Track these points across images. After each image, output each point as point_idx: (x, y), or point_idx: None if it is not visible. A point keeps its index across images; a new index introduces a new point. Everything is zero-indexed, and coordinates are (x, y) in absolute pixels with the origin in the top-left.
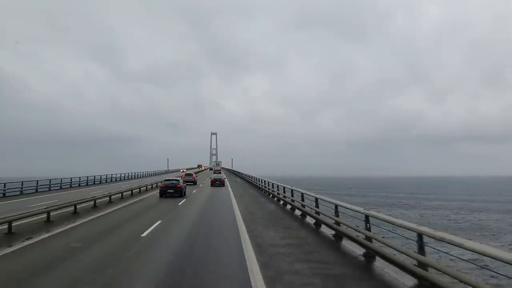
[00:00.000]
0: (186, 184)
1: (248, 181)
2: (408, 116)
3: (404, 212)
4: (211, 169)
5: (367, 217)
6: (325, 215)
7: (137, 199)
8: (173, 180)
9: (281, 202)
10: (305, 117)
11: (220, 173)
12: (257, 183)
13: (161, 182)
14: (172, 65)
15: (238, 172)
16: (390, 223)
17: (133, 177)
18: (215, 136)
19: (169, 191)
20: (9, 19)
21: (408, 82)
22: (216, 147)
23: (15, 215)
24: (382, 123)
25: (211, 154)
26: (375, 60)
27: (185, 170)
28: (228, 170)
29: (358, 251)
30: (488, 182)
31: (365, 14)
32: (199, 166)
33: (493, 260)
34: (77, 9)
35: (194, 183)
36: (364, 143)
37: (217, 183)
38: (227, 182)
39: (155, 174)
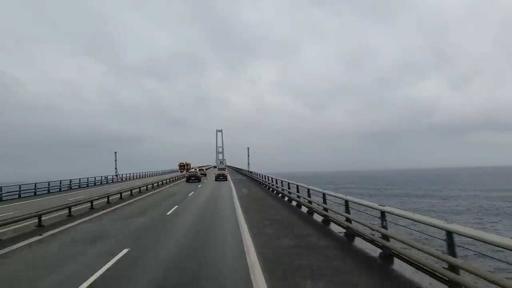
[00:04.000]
0: (200, 174)
1: None
2: (424, 105)
3: None
4: (215, 166)
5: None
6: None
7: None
8: (194, 172)
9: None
10: (316, 109)
11: (224, 170)
12: None
13: (187, 173)
14: (174, 56)
15: (256, 175)
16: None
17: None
18: (220, 133)
19: (192, 178)
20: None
21: (429, 66)
22: (222, 144)
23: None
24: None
25: (217, 152)
26: (396, 42)
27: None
28: (233, 168)
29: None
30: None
31: None
32: (182, 166)
33: None
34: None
35: (205, 175)
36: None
37: (221, 177)
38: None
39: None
